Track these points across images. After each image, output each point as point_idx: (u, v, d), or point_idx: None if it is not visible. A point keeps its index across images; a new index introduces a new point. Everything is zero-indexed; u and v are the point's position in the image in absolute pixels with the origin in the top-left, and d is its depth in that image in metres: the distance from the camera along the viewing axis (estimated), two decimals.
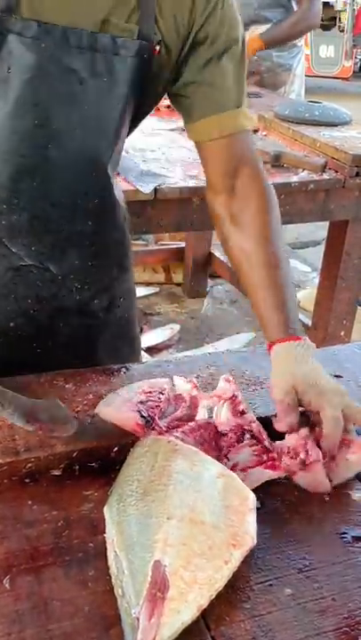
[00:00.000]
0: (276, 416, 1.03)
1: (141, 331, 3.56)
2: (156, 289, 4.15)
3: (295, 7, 3.51)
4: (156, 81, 1.18)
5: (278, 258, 1.17)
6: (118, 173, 1.35)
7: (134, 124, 1.24)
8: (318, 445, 1.00)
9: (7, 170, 1.13)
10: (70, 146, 1.14)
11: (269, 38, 3.53)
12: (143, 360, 2.90)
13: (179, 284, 4.18)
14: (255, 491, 0.91)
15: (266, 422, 1.08)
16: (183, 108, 1.24)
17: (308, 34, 9.99)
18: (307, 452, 0.98)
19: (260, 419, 1.07)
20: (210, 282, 4.13)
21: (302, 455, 0.98)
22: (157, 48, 1.13)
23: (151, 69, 1.14)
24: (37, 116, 1.10)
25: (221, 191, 1.23)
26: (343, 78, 10.80)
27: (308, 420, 1.04)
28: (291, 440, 1.00)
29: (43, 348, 1.28)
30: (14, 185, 1.14)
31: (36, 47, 1.06)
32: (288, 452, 0.99)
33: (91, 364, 1.25)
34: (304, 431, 1.01)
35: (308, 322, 2.96)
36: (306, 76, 4.10)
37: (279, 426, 1.02)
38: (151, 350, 3.38)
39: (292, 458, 0.98)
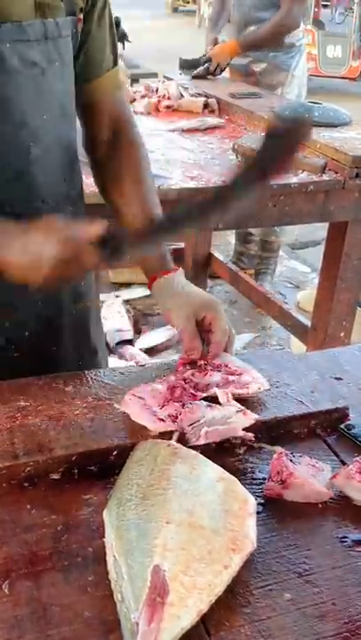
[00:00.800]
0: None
1: (140, 332, 3.57)
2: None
3: None
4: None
5: (150, 206, 1.28)
6: None
7: None
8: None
9: None
10: (48, 140, 1.15)
11: (246, 42, 3.55)
12: (139, 359, 2.89)
13: None
14: (255, 495, 0.91)
15: (268, 425, 1.09)
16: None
17: (315, 33, 10.01)
18: (282, 469, 0.97)
19: (261, 422, 1.07)
20: (209, 282, 4.12)
21: (284, 474, 0.96)
22: (80, 16, 1.18)
23: (77, 40, 1.19)
24: (16, 118, 1.10)
25: (102, 144, 1.32)
26: (351, 78, 10.80)
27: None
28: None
29: (57, 344, 1.30)
30: (5, 194, 1.14)
31: (0, 48, 1.06)
32: (271, 477, 0.98)
33: (90, 347, 1.33)
34: (278, 448, 1.02)
35: (308, 323, 2.96)
36: (313, 75, 4.12)
37: (190, 351, 1.18)
38: (150, 351, 3.37)
39: (273, 480, 0.97)
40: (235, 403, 1.09)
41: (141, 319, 3.74)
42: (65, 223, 1.03)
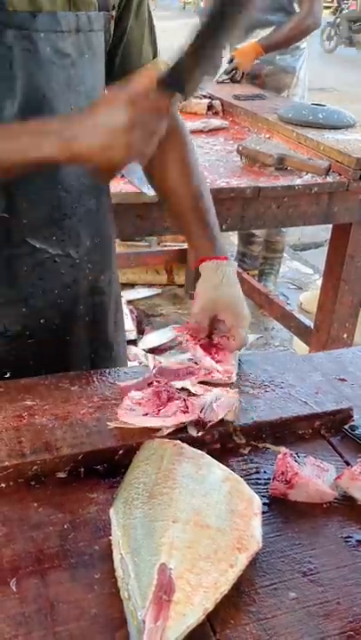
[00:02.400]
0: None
1: (143, 332, 3.58)
2: (158, 290, 4.15)
3: (297, 9, 3.51)
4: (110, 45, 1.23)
5: (200, 190, 1.31)
6: None
7: None
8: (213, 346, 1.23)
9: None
10: None
11: (268, 43, 3.54)
12: (143, 359, 2.90)
13: (181, 286, 4.18)
14: (260, 495, 0.92)
15: (273, 426, 1.09)
16: (112, 65, 1.27)
17: None
18: (287, 469, 0.98)
19: (265, 422, 1.08)
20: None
21: (289, 474, 0.97)
22: (113, 14, 1.18)
23: (109, 37, 1.20)
24: (46, 107, 1.11)
25: None
26: None
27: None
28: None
29: (69, 334, 1.30)
30: (31, 181, 1.15)
31: (34, 38, 1.07)
32: (276, 477, 0.98)
33: (108, 343, 1.33)
34: (282, 449, 1.02)
35: (311, 324, 2.96)
36: None
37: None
38: (153, 352, 3.38)
39: (277, 480, 0.98)
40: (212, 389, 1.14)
41: (145, 320, 3.75)
42: (121, 88, 1.02)
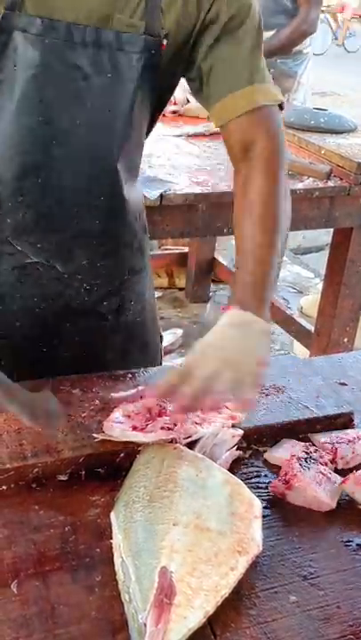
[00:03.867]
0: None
1: None
2: (159, 293, 4.16)
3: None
4: (168, 73, 1.18)
5: (275, 240, 1.13)
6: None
7: (153, 119, 1.24)
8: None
9: (12, 168, 1.14)
10: (74, 143, 1.14)
11: (266, 49, 3.53)
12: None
13: (181, 289, 4.18)
14: (261, 498, 0.92)
15: (273, 430, 1.09)
16: (200, 95, 1.23)
17: None
18: (290, 470, 0.98)
19: (266, 426, 1.09)
20: (212, 287, 4.14)
21: (289, 475, 0.98)
22: (165, 42, 1.12)
23: (160, 64, 1.14)
24: (42, 113, 1.11)
25: (239, 162, 1.21)
26: None
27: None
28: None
29: (48, 347, 1.28)
30: (19, 183, 1.14)
31: (40, 43, 1.07)
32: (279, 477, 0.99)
33: (99, 367, 1.25)
34: (293, 450, 1.03)
35: (311, 328, 2.96)
36: None
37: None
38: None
39: (278, 479, 0.98)
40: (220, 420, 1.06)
41: None
42: None
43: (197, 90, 1.23)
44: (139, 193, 1.31)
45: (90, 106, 1.12)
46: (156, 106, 1.22)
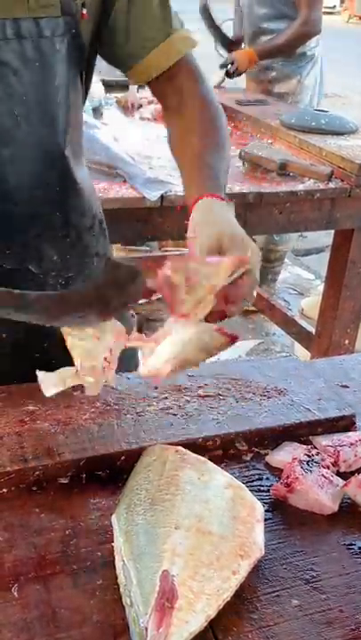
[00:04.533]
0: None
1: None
2: (159, 295, 4.14)
3: None
4: (92, 41, 1.18)
5: (214, 143, 1.20)
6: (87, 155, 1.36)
7: (87, 88, 1.25)
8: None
9: None
10: (20, 141, 1.12)
11: (263, 51, 3.54)
12: None
13: None
14: (262, 502, 0.92)
15: (275, 432, 1.09)
16: (115, 56, 1.24)
17: None
18: (292, 473, 0.98)
19: (267, 429, 1.08)
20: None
21: (290, 478, 0.97)
22: (84, 12, 1.12)
23: (83, 39, 1.14)
24: None
25: (174, 110, 1.28)
26: None
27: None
28: None
29: (40, 352, 1.26)
30: None
31: None
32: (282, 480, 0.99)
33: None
34: (295, 453, 1.02)
35: (312, 330, 2.96)
36: None
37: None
38: None
39: (280, 482, 0.98)
40: None
41: (145, 325, 3.75)
42: None
43: (111, 52, 1.23)
44: (85, 172, 1.30)
45: (26, 100, 1.10)
46: (86, 74, 1.21)
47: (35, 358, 1.27)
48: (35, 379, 1.18)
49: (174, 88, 1.26)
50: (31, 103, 1.11)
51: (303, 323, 3.22)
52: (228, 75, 3.63)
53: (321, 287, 2.97)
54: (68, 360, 1.27)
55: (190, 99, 1.26)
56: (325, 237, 4.30)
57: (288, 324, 3.35)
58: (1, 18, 1.05)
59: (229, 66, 3.59)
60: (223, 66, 3.64)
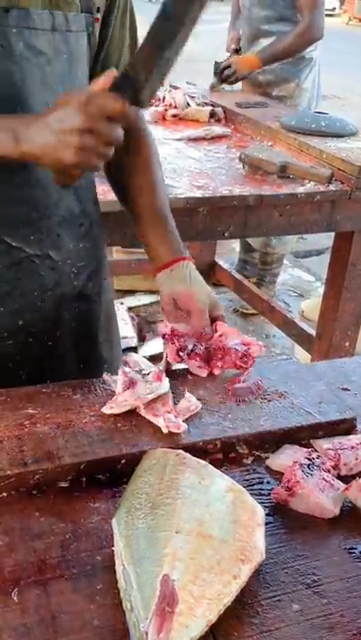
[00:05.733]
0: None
1: (144, 339, 3.57)
2: (158, 297, 4.14)
3: (300, 19, 3.50)
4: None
5: (162, 198, 1.35)
6: None
7: None
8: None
9: None
10: None
11: (267, 56, 3.52)
12: (144, 366, 2.89)
13: None
14: (263, 505, 0.91)
15: (276, 436, 1.09)
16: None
17: None
18: (293, 477, 0.98)
19: (268, 432, 1.08)
20: (213, 290, 4.13)
21: (291, 482, 0.97)
22: (98, 16, 1.18)
23: (95, 38, 1.21)
24: (18, 102, 1.11)
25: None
26: None
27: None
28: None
29: (52, 340, 1.29)
30: (5, 176, 1.14)
31: (9, 34, 1.07)
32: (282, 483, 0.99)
33: (95, 351, 1.31)
34: (295, 457, 1.02)
35: (312, 332, 2.96)
36: None
37: (200, 328, 1.26)
38: (153, 359, 3.37)
39: (281, 486, 0.98)
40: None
41: (145, 326, 3.74)
42: (76, 91, 1.04)
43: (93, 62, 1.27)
44: None
45: (56, 89, 1.14)
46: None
47: (44, 351, 1.28)
48: (35, 382, 1.18)
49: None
50: (60, 93, 1.13)
51: (304, 325, 3.21)
52: (225, 80, 3.60)
53: (321, 289, 2.97)
54: (70, 350, 1.30)
55: (141, 132, 1.36)
56: (326, 239, 4.30)
57: (288, 327, 3.34)
58: (40, 9, 1.09)
59: (226, 70, 3.57)
60: (217, 71, 3.61)
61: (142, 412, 1.09)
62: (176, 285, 1.28)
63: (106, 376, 1.18)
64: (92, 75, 1.26)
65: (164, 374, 1.15)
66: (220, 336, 1.26)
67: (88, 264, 1.32)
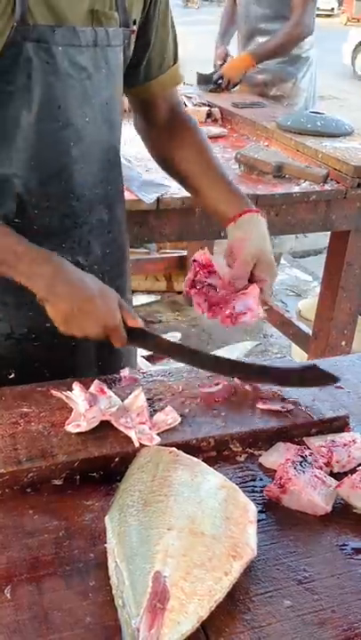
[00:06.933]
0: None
1: None
2: (158, 297, 4.15)
3: None
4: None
5: (217, 161, 1.39)
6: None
7: None
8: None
9: (36, 176, 1.16)
10: (88, 141, 1.20)
11: (259, 54, 3.53)
12: (143, 366, 2.90)
13: (180, 292, 4.18)
14: (256, 502, 0.92)
15: (269, 433, 1.09)
16: (132, 74, 1.32)
17: None
18: (285, 474, 0.98)
19: (261, 430, 1.08)
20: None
21: (283, 479, 0.97)
22: (134, 28, 1.23)
23: (129, 51, 1.25)
24: (61, 117, 1.15)
25: (160, 126, 1.42)
26: None
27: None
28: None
29: (77, 341, 1.29)
30: (44, 189, 1.18)
31: (54, 51, 1.10)
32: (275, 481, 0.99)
33: (112, 348, 1.30)
34: (288, 454, 1.02)
35: (309, 331, 2.96)
36: None
37: (232, 276, 1.25)
38: (152, 358, 3.37)
39: (273, 483, 0.98)
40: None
41: (144, 325, 3.74)
42: (117, 301, 1.13)
43: (130, 71, 1.31)
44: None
45: (93, 102, 1.18)
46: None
47: (68, 353, 1.31)
48: (30, 380, 1.19)
49: (168, 108, 1.41)
50: (98, 106, 1.20)
51: (300, 324, 3.21)
52: (222, 90, 3.60)
53: (318, 289, 2.97)
54: (91, 352, 1.31)
55: (185, 117, 1.43)
56: (323, 239, 4.30)
57: (285, 326, 3.34)
58: (84, 26, 1.13)
59: (220, 81, 3.59)
60: (214, 81, 3.61)
61: (115, 424, 1.07)
62: (236, 234, 1.27)
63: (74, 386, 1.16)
64: (132, 84, 1.33)
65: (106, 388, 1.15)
66: (242, 294, 1.24)
67: (113, 268, 1.35)
